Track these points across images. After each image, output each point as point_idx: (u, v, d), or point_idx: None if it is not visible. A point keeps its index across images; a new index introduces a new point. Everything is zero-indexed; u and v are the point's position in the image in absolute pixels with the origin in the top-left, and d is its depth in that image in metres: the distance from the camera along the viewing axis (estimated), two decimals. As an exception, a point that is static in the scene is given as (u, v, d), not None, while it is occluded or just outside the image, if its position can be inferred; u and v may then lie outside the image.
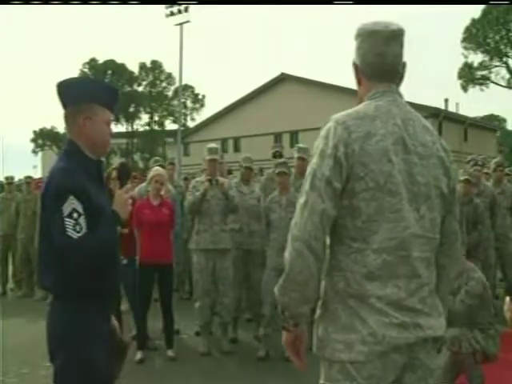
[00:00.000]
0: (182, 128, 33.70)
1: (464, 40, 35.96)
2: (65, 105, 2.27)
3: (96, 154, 2.29)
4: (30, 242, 8.47)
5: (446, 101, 34.31)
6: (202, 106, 50.79)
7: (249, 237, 5.89)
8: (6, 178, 9.49)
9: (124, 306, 5.75)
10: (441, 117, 27.46)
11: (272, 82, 33.42)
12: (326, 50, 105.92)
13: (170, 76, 48.90)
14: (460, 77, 37.12)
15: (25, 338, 5.87)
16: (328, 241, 1.81)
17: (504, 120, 52.36)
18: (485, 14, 34.40)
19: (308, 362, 1.90)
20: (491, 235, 6.65)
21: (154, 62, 49.40)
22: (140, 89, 49.52)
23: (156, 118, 50.07)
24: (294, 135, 30.98)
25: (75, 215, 2.06)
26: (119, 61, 47.72)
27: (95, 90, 2.28)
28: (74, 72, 45.89)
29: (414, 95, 30.93)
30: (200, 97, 50.87)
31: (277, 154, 6.97)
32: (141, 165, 42.14)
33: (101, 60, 47.87)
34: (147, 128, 49.41)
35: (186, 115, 47.49)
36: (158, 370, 5.21)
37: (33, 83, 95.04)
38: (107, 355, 2.21)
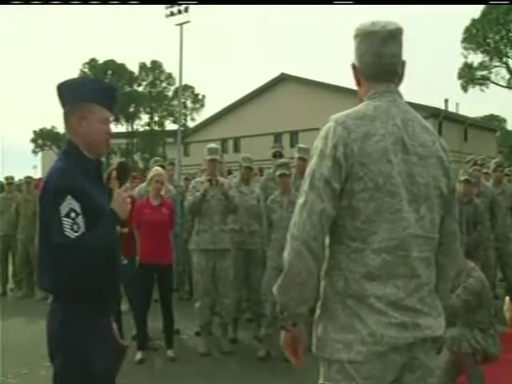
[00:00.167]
0: (182, 128, 33.70)
1: (464, 40, 35.96)
2: (63, 105, 2.27)
3: (94, 154, 2.28)
4: (30, 242, 8.47)
5: (446, 101, 34.32)
6: (202, 106, 50.84)
7: (249, 237, 5.89)
8: (6, 178, 9.49)
9: (124, 306, 5.75)
10: (441, 117, 27.46)
11: (272, 82, 33.42)
12: (326, 50, 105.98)
13: (170, 76, 48.93)
14: (460, 77, 37.12)
15: (25, 338, 5.88)
16: (327, 241, 1.81)
17: (504, 120, 52.40)
18: (485, 14, 34.40)
19: (308, 362, 1.90)
20: (491, 235, 6.65)
21: (154, 62, 49.43)
22: (140, 89, 49.54)
23: (156, 118, 50.10)
24: (293, 135, 30.98)
25: (73, 215, 2.06)
26: (119, 61, 47.80)
27: (91, 89, 2.27)
28: (73, 72, 45.98)
29: (414, 95, 30.96)
30: (200, 97, 50.91)
31: (277, 154, 6.98)
32: (141, 165, 42.14)
33: (101, 60, 47.93)
34: (147, 128, 49.43)
35: (185, 115, 47.51)
36: (157, 370, 5.21)
37: (33, 83, 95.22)
38: (107, 355, 2.21)
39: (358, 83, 1.95)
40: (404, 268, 1.75)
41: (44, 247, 2.16)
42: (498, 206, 6.79)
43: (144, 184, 6.33)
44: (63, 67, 76.17)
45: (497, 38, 35.37)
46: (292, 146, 25.58)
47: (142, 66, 49.24)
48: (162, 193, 5.50)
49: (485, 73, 36.91)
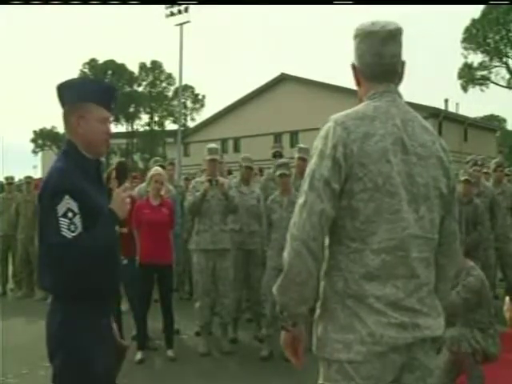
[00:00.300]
0: (182, 128, 33.70)
1: (464, 40, 35.96)
2: (63, 105, 2.28)
3: (93, 154, 2.28)
4: (30, 242, 8.48)
5: (446, 101, 34.32)
6: (202, 106, 50.82)
7: (249, 237, 5.90)
8: (6, 178, 9.50)
9: (124, 306, 5.75)
10: (441, 117, 27.46)
11: (272, 82, 33.42)
12: (326, 50, 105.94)
13: (170, 76, 48.92)
14: (460, 77, 37.12)
15: (25, 338, 5.88)
16: (327, 241, 1.81)
17: (504, 120, 52.37)
18: (485, 14, 34.40)
19: (309, 362, 1.90)
20: (491, 235, 6.65)
21: (154, 62, 49.42)
22: (140, 89, 49.54)
23: (156, 118, 50.09)
24: (293, 135, 30.98)
25: (70, 215, 2.06)
26: (119, 61, 47.78)
27: (90, 89, 2.27)
28: (73, 72, 45.99)
29: (414, 95, 30.95)
30: (200, 97, 50.90)
31: (277, 154, 6.98)
32: (141, 165, 42.14)
33: (101, 60, 47.92)
34: (147, 128, 49.43)
35: (185, 115, 47.50)
36: (157, 370, 5.22)
37: (33, 83, 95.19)
38: (107, 355, 2.21)
39: (358, 83, 1.95)
40: (403, 268, 1.75)
41: (44, 247, 2.16)
42: (498, 206, 6.79)
43: (144, 184, 6.33)
44: (63, 67, 76.22)
45: (497, 38, 35.36)
46: (292, 146, 25.57)
47: (142, 66, 49.23)
48: (162, 193, 5.50)
49: (485, 73, 36.91)
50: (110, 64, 47.47)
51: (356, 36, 1.89)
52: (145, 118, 49.99)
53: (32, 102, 76.48)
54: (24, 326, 6.71)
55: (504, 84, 36.93)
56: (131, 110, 48.08)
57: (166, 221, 5.41)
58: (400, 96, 1.89)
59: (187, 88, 47.72)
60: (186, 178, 9.16)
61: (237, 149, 33.66)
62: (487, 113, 53.32)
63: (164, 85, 50.30)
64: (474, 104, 76.78)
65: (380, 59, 1.84)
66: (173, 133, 36.24)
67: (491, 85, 37.17)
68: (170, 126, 48.32)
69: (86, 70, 47.55)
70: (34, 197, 8.26)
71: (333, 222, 1.76)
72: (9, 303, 8.36)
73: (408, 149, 1.79)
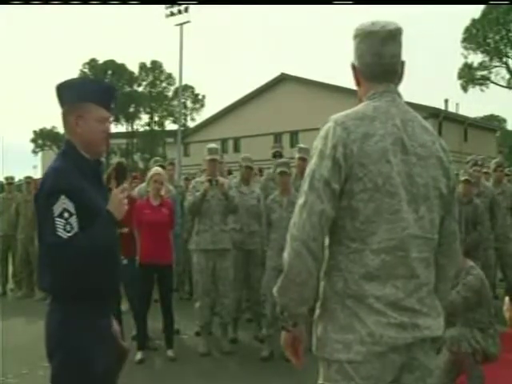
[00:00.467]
0: (182, 128, 33.71)
1: (464, 40, 35.95)
2: (62, 105, 2.28)
3: (93, 154, 2.27)
4: (30, 242, 8.48)
5: (446, 101, 34.31)
6: (202, 106, 50.83)
7: (249, 237, 5.90)
8: (6, 179, 9.50)
9: (124, 306, 5.75)
10: (441, 117, 27.46)
11: (272, 82, 33.42)
12: (326, 50, 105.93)
13: (170, 76, 48.92)
14: (460, 77, 37.12)
15: (25, 338, 5.87)
16: (327, 241, 1.81)
17: (504, 120, 52.36)
18: (485, 14, 34.39)
19: (309, 362, 1.90)
20: (491, 236, 6.65)
21: (154, 63, 49.42)
22: (140, 89, 49.54)
23: (156, 119, 50.09)
24: (293, 135, 30.98)
25: (66, 215, 2.05)
26: (119, 61, 47.79)
27: (89, 89, 2.26)
28: (73, 72, 45.96)
29: (414, 95, 30.92)
30: (200, 97, 50.90)
31: (277, 154, 6.98)
32: (141, 165, 42.13)
33: (101, 60, 47.92)
34: (147, 128, 49.43)
35: (185, 115, 47.50)
36: (157, 370, 5.22)
37: (33, 83, 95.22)
38: (107, 355, 2.20)
39: (358, 83, 1.95)
40: (403, 268, 1.75)
41: (43, 247, 2.17)
42: (498, 206, 6.79)
43: (144, 184, 6.33)
44: (63, 67, 76.20)
45: (497, 37, 35.35)
46: (292, 146, 25.58)
47: (142, 66, 49.23)
48: (162, 193, 5.50)
49: (485, 73, 36.90)
50: (110, 64, 47.47)
51: (356, 36, 1.89)
52: (145, 117, 50.03)
53: (32, 102, 76.56)
54: (24, 326, 6.71)
55: (504, 84, 36.94)
56: (131, 109, 48.08)
57: (166, 221, 5.41)
58: (400, 96, 1.89)
59: (187, 88, 47.72)
60: (186, 178, 9.16)
61: (237, 149, 33.66)
62: (487, 113, 53.39)
63: (164, 85, 50.31)
64: (474, 104, 76.82)
65: (380, 59, 1.84)
66: (173, 133, 36.23)
67: (491, 85, 37.20)
68: (170, 126, 48.36)
69: (86, 70, 47.54)
70: (34, 197, 8.27)
71: (333, 223, 1.76)
72: (9, 303, 8.36)
73: (408, 149, 1.79)
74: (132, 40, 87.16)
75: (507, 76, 36.64)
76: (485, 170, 7.55)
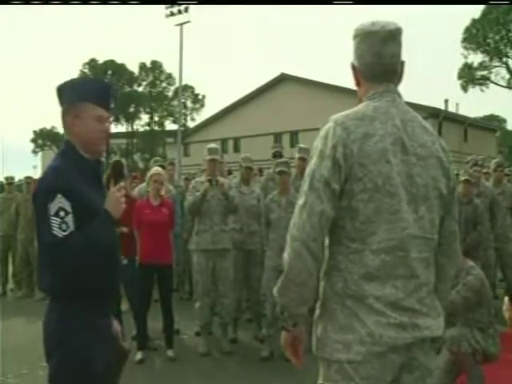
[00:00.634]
0: (182, 128, 33.70)
1: (464, 40, 35.94)
2: (61, 106, 2.28)
3: (92, 153, 2.27)
4: (29, 242, 8.48)
5: (446, 101, 34.29)
6: (202, 106, 50.82)
7: (249, 237, 5.90)
8: (6, 179, 9.50)
9: (124, 306, 5.75)
10: (441, 117, 27.44)
11: (272, 82, 33.41)
12: (326, 50, 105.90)
13: (170, 76, 48.91)
14: (460, 77, 37.10)
15: (25, 338, 5.87)
16: (327, 241, 1.81)
17: (504, 120, 52.35)
18: (485, 14, 34.38)
19: (309, 363, 1.90)
20: (491, 236, 6.65)
21: (154, 63, 49.42)
22: (140, 89, 49.53)
23: (156, 119, 50.09)
24: (293, 135, 30.98)
25: (62, 214, 2.04)
26: (119, 61, 47.78)
27: (86, 88, 2.26)
28: (73, 72, 45.96)
29: (414, 95, 30.91)
30: (200, 97, 50.90)
31: (277, 154, 6.98)
32: (141, 165, 42.13)
33: (101, 60, 47.92)
34: (147, 128, 49.42)
35: (185, 115, 47.50)
36: (158, 370, 5.22)
37: (33, 83, 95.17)
38: (106, 355, 2.19)
39: (358, 83, 1.95)
40: (403, 268, 1.75)
41: (41, 247, 2.16)
42: (498, 206, 6.80)
43: (144, 184, 6.33)
44: (63, 67, 76.22)
45: (497, 38, 35.34)
46: (292, 146, 25.58)
47: (142, 66, 49.23)
48: (162, 193, 5.50)
49: (485, 73, 36.89)
50: (110, 64, 47.47)
51: (356, 36, 1.89)
52: (145, 118, 50.02)
53: (32, 102, 76.53)
54: (24, 326, 6.71)
55: (504, 84, 36.94)
56: (131, 109, 48.08)
57: (166, 221, 5.41)
58: (400, 96, 1.89)
59: (187, 88, 47.71)
60: (186, 178, 9.17)
61: (237, 149, 33.66)
62: (487, 113, 53.38)
63: (164, 85, 50.30)
64: (474, 104, 76.79)
65: (380, 59, 1.84)
66: (173, 133, 36.22)
67: (491, 85, 37.19)
68: (170, 126, 48.35)
69: (85, 70, 47.54)
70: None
71: (332, 223, 1.76)
72: (9, 303, 8.36)
73: (408, 149, 1.79)
74: (132, 40, 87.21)
75: (507, 76, 36.64)
76: (485, 171, 7.56)
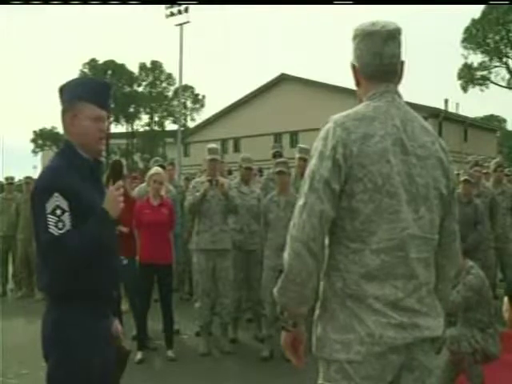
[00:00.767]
0: (182, 128, 33.69)
1: (464, 40, 35.94)
2: (61, 106, 2.28)
3: (90, 153, 2.26)
4: (29, 243, 8.46)
5: (446, 101, 34.33)
6: (202, 106, 50.76)
7: (249, 237, 5.90)
8: (6, 179, 9.51)
9: (124, 306, 5.75)
10: (441, 117, 27.47)
11: (272, 82, 33.44)
12: (326, 50, 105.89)
13: (170, 76, 48.87)
14: (460, 77, 37.10)
15: (25, 338, 5.87)
16: (327, 241, 1.81)
17: (504, 120, 52.31)
18: (485, 14, 34.37)
19: (310, 363, 1.90)
20: (491, 236, 6.66)
21: (154, 63, 49.37)
22: (140, 89, 49.49)
23: (156, 119, 50.05)
24: (293, 135, 31.01)
25: (58, 212, 2.04)
26: (119, 61, 47.69)
27: (82, 88, 2.26)
28: (73, 72, 45.90)
29: (414, 95, 30.94)
30: (200, 97, 50.86)
31: (277, 155, 6.98)
32: (141, 165, 42.11)
33: (101, 60, 47.85)
34: (147, 128, 49.39)
35: (185, 115, 47.47)
36: (158, 370, 5.22)
37: (33, 83, 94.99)
38: (104, 355, 2.18)
39: (358, 83, 1.95)
40: (403, 268, 1.75)
41: (39, 246, 2.16)
42: (498, 207, 6.80)
43: (144, 184, 6.34)
44: (63, 67, 76.09)
45: (497, 38, 35.33)
46: (292, 146, 25.62)
47: (142, 66, 49.17)
48: (162, 193, 5.50)
49: (485, 73, 36.87)
50: (110, 64, 47.43)
51: (355, 36, 1.89)
52: (145, 118, 49.94)
53: (32, 102, 76.38)
54: (24, 326, 6.71)
55: (504, 84, 36.92)
56: (131, 110, 48.03)
57: (166, 221, 5.42)
58: (400, 96, 1.89)
59: (187, 88, 47.67)
60: (186, 178, 9.17)
61: (237, 149, 33.68)
62: (487, 113, 53.32)
63: (164, 85, 50.24)
64: (474, 104, 76.84)
65: (380, 59, 1.84)
66: (173, 133, 36.23)
67: (491, 85, 37.17)
68: (170, 126, 48.28)
69: (85, 70, 47.49)
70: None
71: (332, 223, 1.76)
72: (9, 303, 8.36)
73: (408, 149, 1.79)
74: (132, 40, 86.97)
75: (507, 76, 36.62)
76: (485, 171, 7.56)
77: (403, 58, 1.90)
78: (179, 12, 27.46)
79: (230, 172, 8.72)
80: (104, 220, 2.16)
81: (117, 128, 47.09)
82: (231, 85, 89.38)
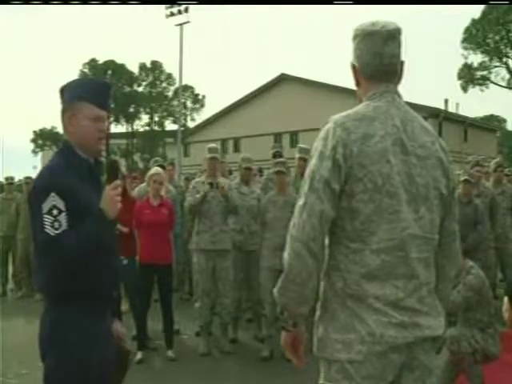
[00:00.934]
0: (182, 128, 33.70)
1: (464, 40, 35.94)
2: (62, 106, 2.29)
3: (89, 153, 2.26)
4: (29, 243, 8.45)
5: (446, 101, 34.34)
6: (202, 106, 50.75)
7: (249, 237, 5.90)
8: (6, 179, 9.51)
9: (124, 306, 5.75)
10: (441, 117, 27.48)
11: (272, 82, 33.45)
12: (326, 50, 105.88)
13: (170, 76, 48.86)
14: (460, 77, 37.10)
15: (25, 338, 5.86)
16: (327, 241, 1.81)
17: (504, 120, 52.30)
18: (485, 14, 34.36)
19: (310, 363, 1.90)
20: (491, 236, 6.65)
21: (154, 63, 49.36)
22: (140, 89, 49.48)
23: (156, 119, 50.05)
24: (293, 135, 31.01)
25: (55, 212, 2.03)
26: (119, 61, 47.68)
27: (81, 88, 2.26)
28: (73, 72, 45.92)
29: (414, 95, 30.94)
30: (200, 97, 50.85)
31: (277, 155, 6.98)
32: (141, 165, 42.11)
33: (101, 60, 47.85)
34: (147, 128, 49.39)
35: (185, 115, 47.47)
36: (158, 370, 5.22)
37: (33, 83, 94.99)
38: (102, 356, 2.16)
39: (358, 83, 1.95)
40: (403, 268, 1.75)
41: (35, 246, 2.16)
42: (498, 207, 6.80)
43: (144, 184, 6.34)
44: (63, 67, 76.14)
45: (497, 38, 35.33)
46: (292, 146, 25.62)
47: (142, 67, 49.16)
48: (162, 193, 5.50)
49: (485, 73, 36.87)
50: (110, 64, 47.42)
51: (355, 36, 1.89)
52: (145, 118, 49.92)
53: (32, 102, 76.39)
54: (24, 326, 6.71)
55: (504, 84, 36.92)
56: (131, 110, 48.03)
57: (166, 221, 5.42)
58: (399, 96, 1.90)
59: (187, 88, 47.66)
60: (186, 178, 9.17)
61: (237, 149, 33.69)
62: (487, 113, 53.31)
63: (164, 85, 50.23)
64: (474, 104, 76.83)
65: (380, 59, 1.85)
66: (173, 133, 36.23)
67: (491, 85, 37.17)
68: (170, 126, 48.28)
69: (85, 70, 47.49)
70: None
71: (332, 223, 1.76)
72: (9, 303, 8.37)
73: (408, 149, 1.79)
74: (132, 40, 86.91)
75: (507, 76, 36.62)
76: (485, 170, 7.56)
77: (403, 58, 1.90)
78: (179, 12, 27.47)
79: (230, 172, 8.72)
80: (101, 220, 2.14)
81: (117, 128, 47.09)
82: (231, 85, 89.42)
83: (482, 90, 37.37)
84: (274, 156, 6.95)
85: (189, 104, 49.76)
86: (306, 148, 6.10)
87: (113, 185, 2.20)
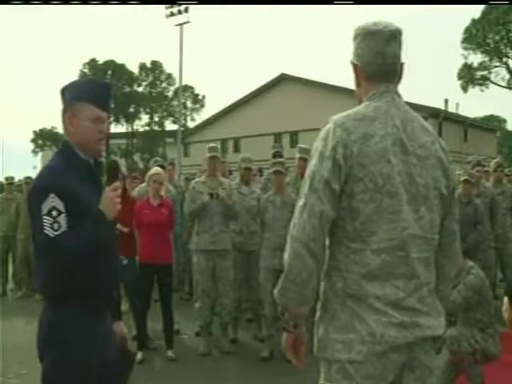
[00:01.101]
0: (182, 128, 33.69)
1: (464, 40, 35.94)
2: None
3: (89, 153, 2.26)
4: (29, 243, 8.47)
5: (446, 101, 34.36)
6: (202, 106, 50.74)
7: (249, 238, 5.90)
8: (6, 179, 9.51)
9: (124, 306, 5.75)
10: (441, 117, 27.48)
11: (272, 82, 33.45)
12: (326, 50, 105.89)
13: (170, 76, 48.85)
14: (460, 77, 37.10)
15: (25, 338, 5.84)
16: (327, 241, 1.81)
17: (504, 120, 52.29)
18: (485, 14, 34.36)
19: (310, 363, 1.90)
20: (491, 236, 6.65)
21: (154, 63, 49.36)
22: (140, 89, 49.48)
23: (156, 119, 50.04)
24: (293, 135, 31.01)
25: (54, 213, 2.03)
26: (119, 61, 47.68)
27: (82, 88, 2.26)
28: (73, 72, 45.94)
29: (414, 95, 30.95)
30: (200, 97, 50.85)
31: (276, 155, 6.99)
32: (141, 165, 42.10)
33: (101, 60, 47.84)
34: (147, 128, 49.38)
35: (185, 115, 47.46)
36: (157, 370, 5.22)
37: (33, 83, 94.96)
38: (103, 356, 2.16)
39: (358, 83, 1.95)
40: (403, 268, 1.75)
41: (34, 246, 2.15)
42: (498, 207, 6.80)
43: (144, 184, 6.34)
44: (63, 67, 76.17)
45: (497, 38, 35.32)
46: (292, 146, 25.62)
47: (142, 67, 49.16)
48: (162, 193, 5.50)
49: (485, 73, 36.87)
50: (110, 64, 47.41)
51: (357, 35, 1.89)
52: (145, 118, 49.92)
53: (32, 102, 76.35)
54: (24, 326, 6.71)
55: (504, 84, 36.91)
56: (131, 110, 48.02)
57: (166, 221, 5.42)
58: (399, 96, 1.90)
59: (187, 88, 47.66)
60: (186, 179, 9.17)
61: (237, 149, 33.69)
62: (487, 113, 53.30)
63: (164, 85, 50.22)
64: (474, 104, 76.83)
65: (381, 59, 1.85)
66: (173, 133, 36.22)
67: (491, 85, 37.16)
68: (169, 126, 48.27)
69: (85, 70, 47.47)
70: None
71: (333, 223, 1.76)
72: (9, 303, 8.37)
73: (408, 149, 1.79)
74: (132, 40, 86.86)
75: (507, 76, 36.62)
76: (485, 169, 7.57)
77: (403, 58, 1.90)
78: (179, 12, 27.46)
79: (230, 172, 8.72)
80: (100, 221, 2.13)
81: (117, 128, 47.07)
82: (231, 85, 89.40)
83: (481, 90, 37.38)
84: (274, 156, 6.95)
85: (189, 104, 49.74)
86: (306, 148, 6.10)
87: (112, 186, 2.19)
